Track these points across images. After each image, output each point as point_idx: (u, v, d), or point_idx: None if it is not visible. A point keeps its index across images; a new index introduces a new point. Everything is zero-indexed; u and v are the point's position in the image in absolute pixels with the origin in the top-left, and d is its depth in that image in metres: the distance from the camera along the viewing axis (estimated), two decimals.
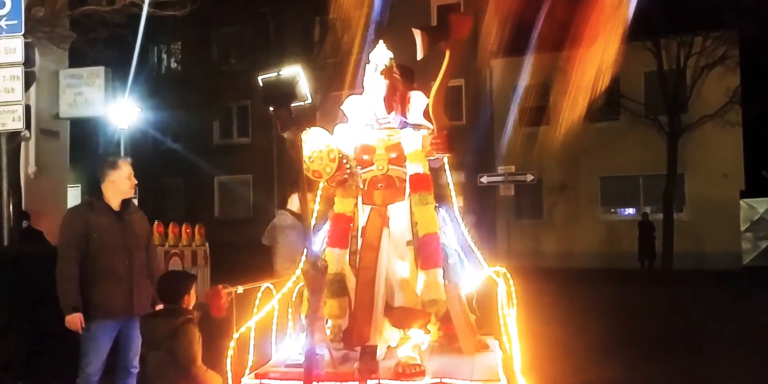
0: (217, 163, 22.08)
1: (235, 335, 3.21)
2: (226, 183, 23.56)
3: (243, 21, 21.15)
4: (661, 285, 14.03)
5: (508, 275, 3.90)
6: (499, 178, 18.49)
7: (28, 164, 10.64)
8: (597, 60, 18.14)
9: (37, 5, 7.69)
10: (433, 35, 3.20)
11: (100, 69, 11.05)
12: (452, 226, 3.70)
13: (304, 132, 3.32)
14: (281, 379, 3.10)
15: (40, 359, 5.25)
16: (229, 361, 3.17)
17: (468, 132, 20.72)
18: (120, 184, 4.28)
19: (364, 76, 3.67)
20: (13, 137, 5.79)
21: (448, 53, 3.19)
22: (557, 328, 7.74)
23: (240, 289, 3.35)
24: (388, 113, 3.60)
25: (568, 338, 7.43)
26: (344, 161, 3.43)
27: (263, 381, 3.11)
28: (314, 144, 3.37)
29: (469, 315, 3.61)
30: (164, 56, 24.56)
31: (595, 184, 19.51)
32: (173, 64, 24.99)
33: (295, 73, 2.68)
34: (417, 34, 3.19)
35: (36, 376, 5.13)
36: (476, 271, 3.64)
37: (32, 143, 10.69)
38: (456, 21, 3.16)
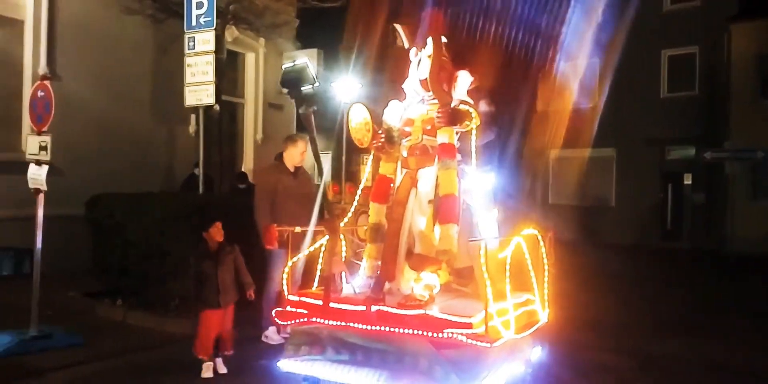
0: None
1: (289, 263, 4.19)
2: None
3: None
4: None
5: (539, 238, 4.33)
6: (725, 154, 16.97)
7: (256, 132, 12.79)
8: None
9: None
10: (414, 29, 3.75)
11: (313, 51, 12.74)
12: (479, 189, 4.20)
13: (351, 107, 4.18)
14: (312, 298, 4.02)
15: None
16: (284, 282, 4.18)
17: (701, 103, 19.26)
18: (294, 156, 5.95)
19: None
20: (207, 110, 7.40)
21: (432, 44, 3.73)
22: None
23: (298, 229, 4.30)
24: (426, 91, 4.23)
25: None
26: (379, 132, 4.16)
27: (302, 298, 4.05)
28: (356, 118, 4.16)
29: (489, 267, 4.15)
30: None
31: None
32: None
33: (304, 62, 3.52)
34: (399, 28, 3.78)
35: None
36: (495, 229, 4.16)
37: (260, 115, 12.80)
38: (428, 17, 3.68)
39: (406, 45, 3.93)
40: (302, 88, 3.52)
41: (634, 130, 19.81)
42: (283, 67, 3.58)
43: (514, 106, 19.90)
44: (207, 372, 4.91)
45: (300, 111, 3.56)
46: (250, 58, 12.84)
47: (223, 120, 10.76)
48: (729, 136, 18.32)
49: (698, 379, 5.38)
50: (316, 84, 3.54)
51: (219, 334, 4.98)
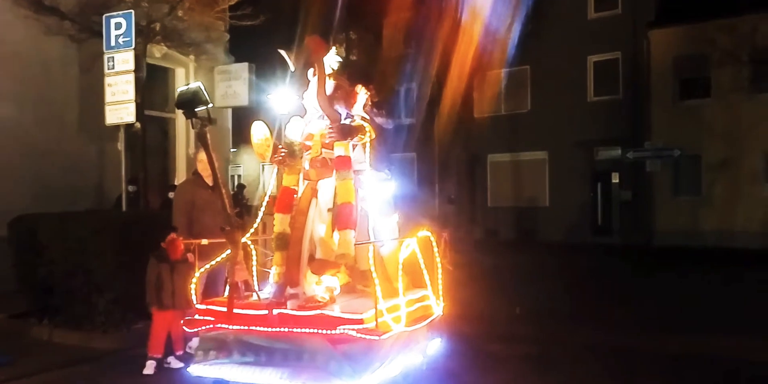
0: None
1: (197, 274, 4.43)
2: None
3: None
4: None
5: (432, 239, 4.67)
6: (646, 154, 17.89)
7: (188, 146, 12.88)
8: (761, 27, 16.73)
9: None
10: (298, 55, 4.09)
11: (245, 65, 12.89)
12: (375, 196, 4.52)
13: (253, 125, 4.46)
14: (218, 305, 4.26)
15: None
16: (193, 292, 4.41)
17: (624, 106, 20.14)
18: (203, 168, 5.98)
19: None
20: (129, 127, 7.56)
21: (316, 67, 4.08)
22: None
23: (205, 241, 4.54)
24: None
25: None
26: (280, 147, 4.46)
27: (209, 306, 4.29)
28: (257, 134, 4.44)
29: (387, 268, 4.47)
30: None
31: (760, 160, 17.99)
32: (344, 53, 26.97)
33: (198, 85, 3.78)
34: (284, 54, 4.11)
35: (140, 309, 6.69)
36: (393, 232, 4.49)
37: (191, 129, 12.89)
38: (311, 43, 4.04)
39: (291, 68, 4.25)
40: (196, 109, 3.77)
41: (564, 134, 20.59)
42: (178, 89, 3.82)
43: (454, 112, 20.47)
44: (148, 369, 5.34)
45: (195, 130, 3.81)
46: (180, 73, 12.93)
47: (151, 135, 10.87)
48: (651, 136, 19.25)
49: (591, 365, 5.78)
50: (210, 105, 3.80)
51: (169, 334, 5.41)
